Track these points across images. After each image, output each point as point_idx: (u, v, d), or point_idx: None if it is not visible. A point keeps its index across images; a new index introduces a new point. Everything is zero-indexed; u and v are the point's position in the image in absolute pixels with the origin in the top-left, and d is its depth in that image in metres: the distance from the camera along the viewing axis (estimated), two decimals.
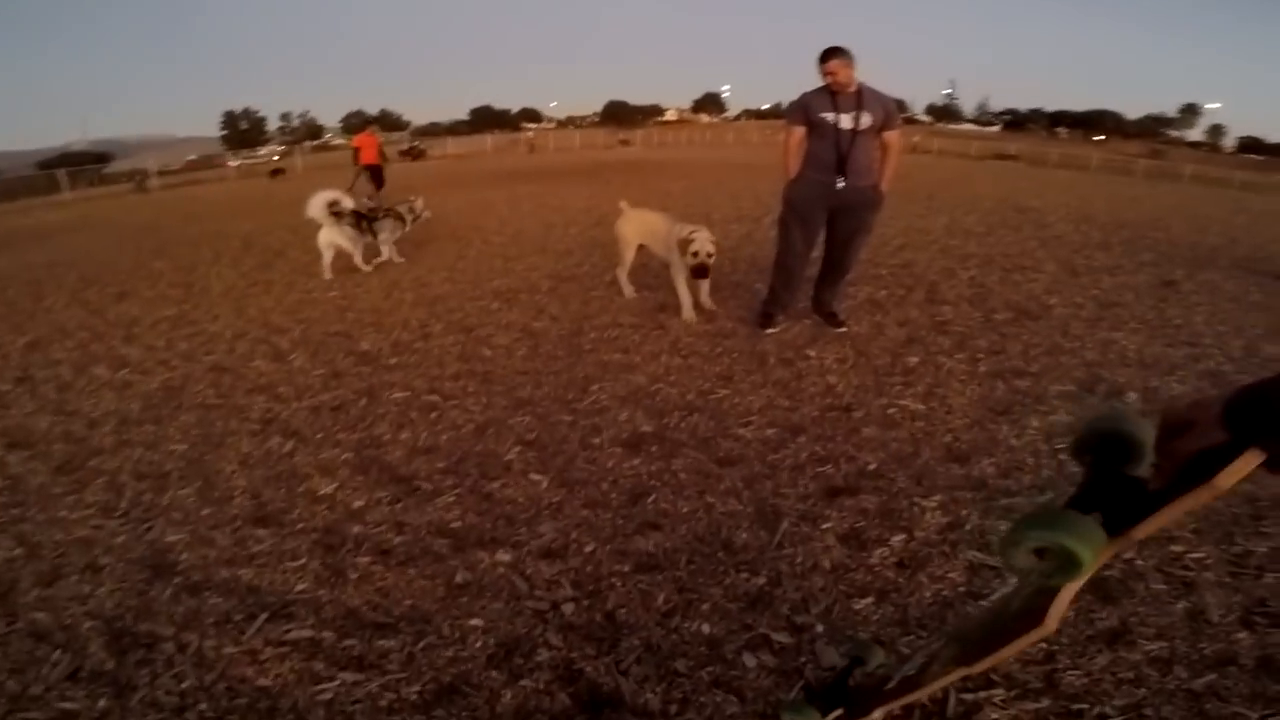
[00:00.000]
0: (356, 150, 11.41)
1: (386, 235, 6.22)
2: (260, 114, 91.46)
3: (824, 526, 2.18)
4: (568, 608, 1.84)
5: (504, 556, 2.05)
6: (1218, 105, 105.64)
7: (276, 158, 40.24)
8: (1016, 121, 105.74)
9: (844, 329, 4.07)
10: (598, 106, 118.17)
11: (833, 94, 3.58)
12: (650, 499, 2.34)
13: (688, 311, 4.29)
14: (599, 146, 39.15)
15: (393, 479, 2.52)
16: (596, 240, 6.88)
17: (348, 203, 5.90)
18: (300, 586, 1.98)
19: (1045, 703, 1.55)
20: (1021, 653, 1.68)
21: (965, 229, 8.28)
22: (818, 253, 4.01)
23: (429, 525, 2.23)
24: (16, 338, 4.65)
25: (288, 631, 1.80)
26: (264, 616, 1.86)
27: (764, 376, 3.37)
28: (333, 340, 4.09)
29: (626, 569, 1.99)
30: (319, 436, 2.88)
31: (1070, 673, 1.62)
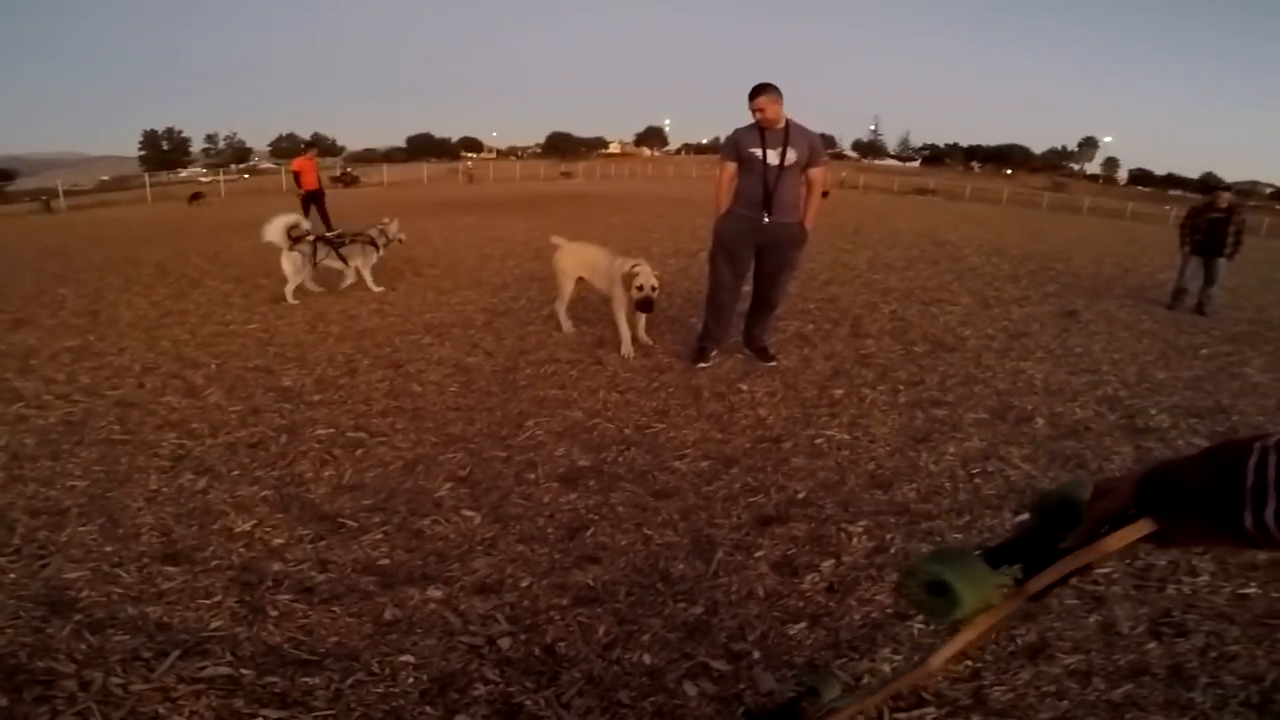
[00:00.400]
0: (296, 175, 10.81)
1: (359, 262, 6.10)
2: (184, 134, 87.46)
3: (757, 555, 2.23)
4: (504, 642, 1.81)
5: (435, 593, 2.00)
6: (1109, 139, 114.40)
7: (246, 176, 38.31)
8: (935, 157, 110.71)
9: (774, 363, 4.17)
10: (541, 137, 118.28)
11: (761, 130, 3.67)
12: (588, 533, 2.33)
13: (626, 346, 4.32)
14: (540, 178, 39.36)
15: (315, 516, 2.42)
16: (535, 274, 6.87)
17: (306, 225, 5.83)
18: (215, 624, 1.87)
19: (975, 719, 1.61)
20: (946, 672, 1.75)
21: (887, 263, 8.74)
22: (749, 287, 4.13)
23: (355, 563, 2.15)
24: None
25: (202, 669, 1.70)
26: (176, 654, 1.74)
27: (698, 410, 3.42)
28: (252, 375, 3.91)
29: (565, 602, 1.97)
30: (235, 474, 2.74)
31: (996, 688, 1.69)
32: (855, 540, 2.32)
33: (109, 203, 26.69)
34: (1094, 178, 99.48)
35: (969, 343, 4.93)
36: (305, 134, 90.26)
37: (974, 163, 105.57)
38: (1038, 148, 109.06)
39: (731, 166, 3.81)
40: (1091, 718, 1.63)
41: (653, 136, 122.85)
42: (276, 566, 2.13)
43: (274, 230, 5.63)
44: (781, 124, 3.67)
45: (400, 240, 6.50)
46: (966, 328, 5.37)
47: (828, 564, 2.18)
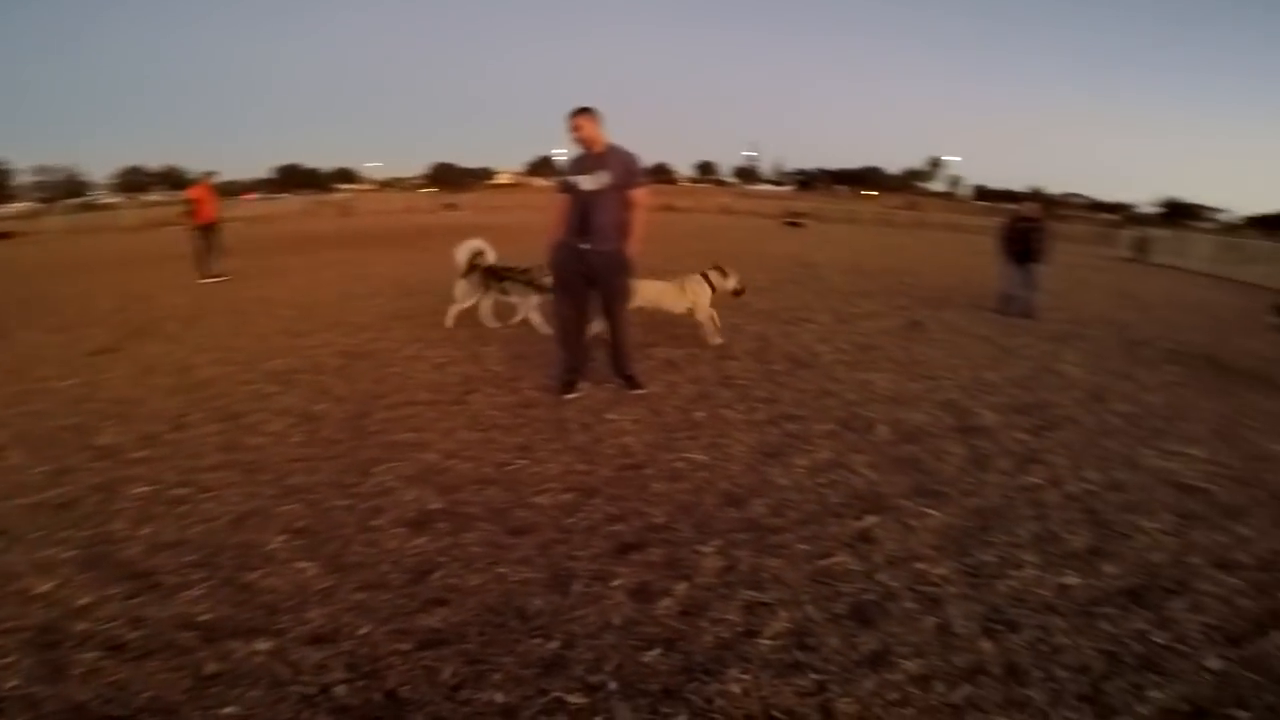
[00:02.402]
0: (192, 204, 9.31)
1: (517, 299, 5.75)
2: (5, 166, 74.63)
3: (614, 584, 2.21)
4: (340, 690, 1.74)
5: (263, 645, 1.91)
6: (954, 158, 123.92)
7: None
8: (806, 181, 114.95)
9: (641, 390, 4.13)
10: (424, 169, 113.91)
11: (579, 156, 3.64)
12: (436, 575, 2.25)
13: (715, 337, 5.48)
14: (423, 210, 38.19)
15: (129, 575, 2.24)
16: (402, 312, 6.57)
17: (489, 255, 5.72)
18: (11, 683, 1.74)
19: None
20: (794, 684, 1.78)
21: (757, 286, 8.95)
22: None
23: (173, 619, 2.02)
24: None
25: None
26: None
27: (564, 443, 3.38)
28: (64, 434, 3.49)
29: (408, 647, 1.91)
30: (36, 535, 2.49)
31: (842, 700, 1.73)
32: (706, 560, 2.36)
33: None
34: (942, 195, 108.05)
35: (823, 358, 5.21)
36: (154, 166, 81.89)
37: (838, 185, 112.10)
38: (891, 169, 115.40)
39: (562, 195, 3.76)
40: None
41: (546, 166, 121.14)
42: (81, 626, 1.99)
43: (462, 253, 5.63)
44: (600, 148, 3.63)
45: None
46: (823, 344, 5.67)
47: (681, 587, 2.20)
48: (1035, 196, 8.75)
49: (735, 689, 1.76)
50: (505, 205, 43.59)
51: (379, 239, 16.64)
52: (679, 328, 6.08)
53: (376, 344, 5.36)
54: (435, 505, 2.72)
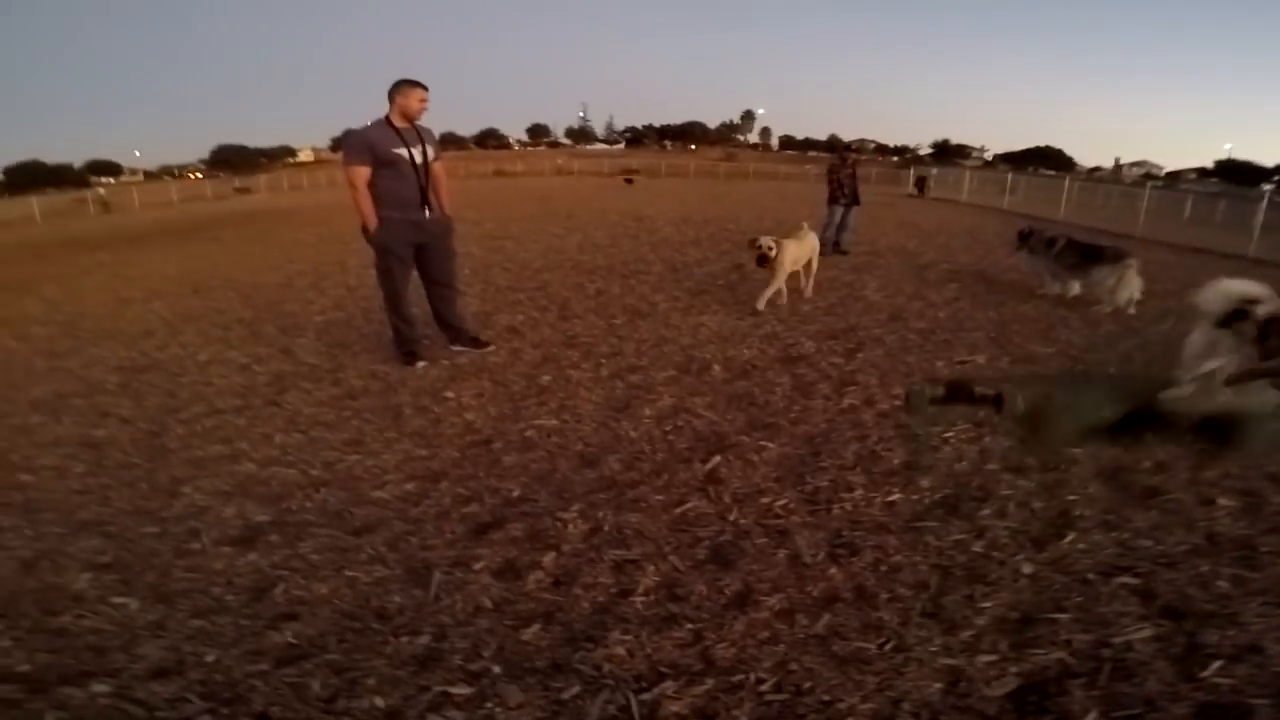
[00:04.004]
0: None
1: None
2: None
3: (477, 567, 2.12)
4: None
5: (102, 687, 1.69)
6: (763, 111, 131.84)
7: None
8: (636, 138, 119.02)
9: (490, 347, 4.28)
10: (204, 153, 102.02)
11: (395, 129, 3.61)
12: (278, 590, 2.04)
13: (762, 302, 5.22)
14: (207, 198, 33.84)
15: None
16: (192, 313, 5.76)
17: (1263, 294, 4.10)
18: None
19: (710, 683, 1.64)
20: (672, 637, 1.79)
21: (595, 243, 9.21)
22: None
23: None
24: None
25: None
26: None
27: (399, 430, 3.17)
28: None
29: (265, 667, 1.74)
30: None
31: (719, 646, 1.75)
32: (571, 527, 2.32)
33: None
34: (755, 146, 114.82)
35: (660, 307, 5.36)
36: None
37: (665, 141, 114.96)
38: (711, 123, 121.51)
39: (366, 172, 3.61)
40: (807, 656, 1.71)
41: None
42: None
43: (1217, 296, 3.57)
44: (418, 122, 3.73)
45: None
46: (658, 294, 5.83)
47: (549, 558, 2.15)
48: (849, 146, 9.50)
49: (620, 651, 1.75)
50: (311, 185, 40.03)
51: (153, 234, 14.51)
52: (521, 291, 5.96)
53: (164, 352, 4.64)
54: (261, 518, 2.45)
